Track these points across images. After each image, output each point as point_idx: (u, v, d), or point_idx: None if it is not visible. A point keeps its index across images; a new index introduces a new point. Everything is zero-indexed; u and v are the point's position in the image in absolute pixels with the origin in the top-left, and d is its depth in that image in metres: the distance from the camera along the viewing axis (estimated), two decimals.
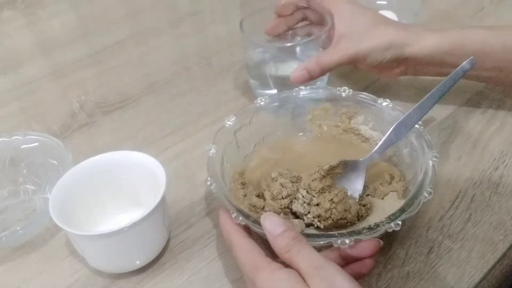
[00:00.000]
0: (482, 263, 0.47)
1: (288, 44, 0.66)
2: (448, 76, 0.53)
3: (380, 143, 0.51)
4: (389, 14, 0.75)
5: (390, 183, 0.51)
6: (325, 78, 0.66)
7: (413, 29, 0.59)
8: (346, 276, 0.36)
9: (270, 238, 0.40)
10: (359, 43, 0.58)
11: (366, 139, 0.56)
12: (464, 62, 0.54)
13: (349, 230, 0.42)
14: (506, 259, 0.48)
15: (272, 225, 0.40)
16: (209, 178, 0.47)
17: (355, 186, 0.50)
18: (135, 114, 0.70)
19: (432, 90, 0.52)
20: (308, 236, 0.42)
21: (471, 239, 0.49)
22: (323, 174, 0.48)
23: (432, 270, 0.47)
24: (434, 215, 0.52)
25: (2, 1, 0.98)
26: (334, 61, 0.59)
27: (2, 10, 0.96)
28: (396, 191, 0.50)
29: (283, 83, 0.62)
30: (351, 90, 0.56)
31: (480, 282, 0.46)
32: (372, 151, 0.51)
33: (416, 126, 0.51)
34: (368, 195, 0.51)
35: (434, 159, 0.47)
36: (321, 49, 0.62)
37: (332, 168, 0.49)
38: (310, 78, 0.59)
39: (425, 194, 0.44)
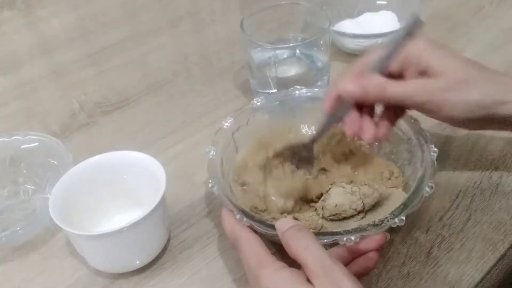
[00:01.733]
0: (482, 263, 0.47)
1: (288, 45, 0.66)
2: (389, 42, 0.45)
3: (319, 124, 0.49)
4: (389, 14, 0.76)
5: (389, 179, 0.52)
6: (326, 78, 0.66)
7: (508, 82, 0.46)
8: (352, 278, 0.36)
9: (279, 234, 0.41)
10: (445, 91, 0.44)
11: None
12: (409, 21, 0.45)
13: (354, 227, 0.43)
14: (506, 259, 0.48)
15: (282, 223, 0.41)
16: (210, 180, 0.47)
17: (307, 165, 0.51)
18: (135, 114, 0.70)
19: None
20: (314, 234, 0.42)
21: (471, 239, 0.49)
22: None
23: (432, 270, 0.47)
24: (434, 215, 0.52)
25: (2, 1, 0.98)
26: (401, 96, 0.45)
27: (2, 10, 0.96)
28: (396, 187, 0.51)
29: (283, 83, 0.62)
30: None
31: (480, 282, 0.46)
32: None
33: (413, 121, 0.51)
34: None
35: (433, 153, 0.48)
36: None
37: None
38: (363, 98, 0.46)
39: (427, 189, 0.45)
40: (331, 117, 0.48)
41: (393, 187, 0.51)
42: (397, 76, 0.46)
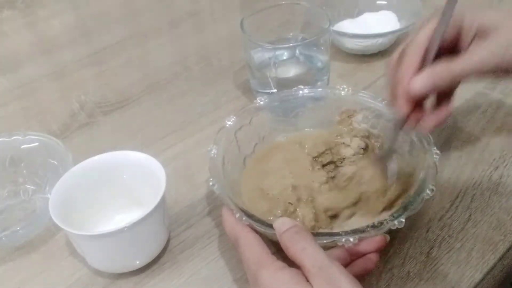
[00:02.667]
0: (482, 263, 0.47)
1: (288, 45, 0.66)
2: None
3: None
4: (389, 14, 0.76)
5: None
6: (326, 78, 0.66)
7: None
8: (350, 278, 0.36)
9: (277, 235, 0.40)
10: (506, 49, 0.42)
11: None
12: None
13: (353, 228, 0.43)
14: (506, 259, 0.48)
15: (280, 223, 0.41)
16: (211, 179, 0.47)
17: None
18: (135, 114, 0.70)
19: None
20: (313, 235, 0.42)
21: (471, 239, 0.49)
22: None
23: (432, 270, 0.47)
24: (434, 215, 0.52)
25: (2, 1, 0.98)
26: (466, 71, 0.43)
27: (2, 10, 0.96)
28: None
29: (283, 83, 0.62)
30: (350, 88, 0.56)
31: (480, 282, 0.46)
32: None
33: None
34: None
35: (435, 156, 0.47)
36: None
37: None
38: (436, 89, 0.45)
39: (427, 191, 0.44)
40: (402, 119, 0.46)
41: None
42: (451, 48, 0.45)
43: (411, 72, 0.44)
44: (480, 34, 0.44)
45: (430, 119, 0.46)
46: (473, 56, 0.44)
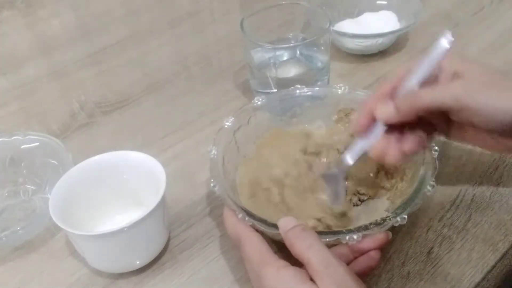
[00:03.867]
0: (482, 263, 0.47)
1: (288, 45, 0.66)
2: (424, 60, 0.44)
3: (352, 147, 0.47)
4: (389, 14, 0.76)
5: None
6: (326, 78, 0.66)
7: None
8: (355, 277, 0.36)
9: (282, 233, 0.41)
10: (477, 90, 0.43)
11: None
12: (441, 39, 0.43)
13: (356, 226, 0.43)
14: (506, 259, 0.48)
15: (285, 221, 0.41)
16: (212, 180, 0.47)
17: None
18: (135, 114, 0.70)
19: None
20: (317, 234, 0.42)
21: (471, 239, 0.49)
22: None
23: (432, 270, 0.47)
24: (434, 215, 0.52)
25: (2, 1, 0.98)
26: (432, 99, 0.43)
27: (2, 10, 0.96)
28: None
29: (284, 83, 0.62)
30: (347, 87, 0.56)
31: (480, 282, 0.46)
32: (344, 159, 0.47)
33: None
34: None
35: (434, 152, 0.48)
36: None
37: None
38: (398, 116, 0.44)
39: (428, 187, 0.45)
40: (363, 140, 0.46)
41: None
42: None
43: (379, 97, 0.45)
44: (455, 75, 0.44)
45: (392, 153, 0.45)
46: (439, 88, 0.44)
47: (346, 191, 0.50)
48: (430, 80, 0.44)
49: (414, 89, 0.44)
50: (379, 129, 0.45)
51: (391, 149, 0.44)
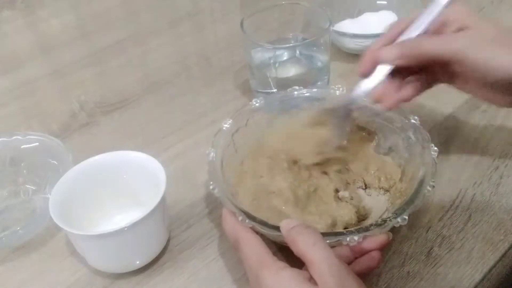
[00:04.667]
0: (482, 263, 0.47)
1: (288, 45, 0.66)
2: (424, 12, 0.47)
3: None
4: (389, 14, 0.76)
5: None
6: (326, 78, 0.66)
7: None
8: (356, 278, 0.36)
9: (284, 232, 0.40)
10: (479, 44, 0.44)
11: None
12: None
13: (357, 227, 0.43)
14: (506, 259, 0.48)
15: (287, 221, 0.41)
16: (211, 182, 0.47)
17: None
18: (135, 114, 0.70)
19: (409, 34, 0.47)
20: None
21: (471, 239, 0.49)
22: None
23: (432, 270, 0.47)
24: (434, 215, 0.52)
25: (2, 1, 0.98)
26: (434, 47, 0.45)
27: (2, 10, 0.96)
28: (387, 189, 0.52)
29: (284, 83, 0.62)
30: (345, 88, 0.56)
31: (480, 282, 0.46)
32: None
33: (413, 121, 0.52)
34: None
35: (433, 152, 0.48)
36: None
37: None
38: (401, 56, 0.46)
39: (428, 187, 0.45)
40: (368, 81, 0.48)
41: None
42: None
43: (384, 43, 0.48)
44: (462, 28, 0.46)
45: (388, 99, 0.48)
46: (444, 36, 0.46)
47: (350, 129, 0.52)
48: (435, 30, 0.47)
49: (420, 37, 0.46)
50: (382, 72, 0.48)
51: (389, 95, 0.48)
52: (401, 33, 0.48)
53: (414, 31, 0.47)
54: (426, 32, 0.47)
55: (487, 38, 0.44)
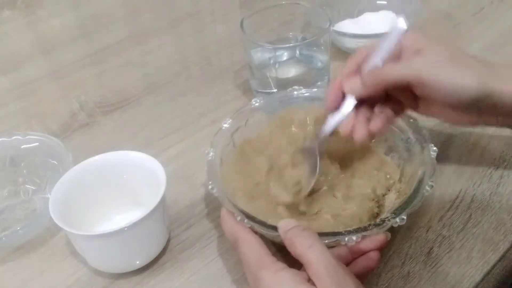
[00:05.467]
0: (482, 263, 0.47)
1: (288, 45, 0.66)
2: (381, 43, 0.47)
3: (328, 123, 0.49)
4: (389, 14, 0.76)
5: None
6: (326, 78, 0.66)
7: (506, 68, 0.47)
8: (354, 279, 0.36)
9: (282, 233, 0.41)
10: (435, 66, 0.45)
11: None
12: (396, 23, 0.46)
13: (355, 227, 0.43)
14: (506, 259, 0.48)
15: (285, 222, 0.41)
16: (210, 182, 0.47)
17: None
18: (135, 114, 0.70)
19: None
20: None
21: (471, 239, 0.49)
22: None
23: (432, 270, 0.47)
24: (434, 215, 0.52)
25: (2, 1, 0.98)
26: (395, 74, 0.45)
27: (2, 10, 0.96)
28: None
29: (284, 83, 0.62)
30: None
31: (480, 282, 0.46)
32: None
33: (412, 121, 0.52)
34: None
35: (432, 152, 0.48)
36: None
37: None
38: (364, 90, 0.47)
39: (427, 187, 0.45)
40: (335, 115, 0.48)
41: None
42: None
43: (346, 74, 0.48)
44: (416, 52, 0.46)
45: (359, 130, 0.48)
46: (399, 63, 0.46)
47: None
48: (393, 58, 0.47)
49: (378, 65, 0.46)
50: (349, 104, 0.48)
51: (359, 128, 0.47)
52: (362, 62, 0.47)
53: (374, 59, 0.47)
54: (386, 61, 0.47)
55: (442, 58, 0.45)
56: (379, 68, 0.46)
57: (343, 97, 0.48)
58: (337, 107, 0.48)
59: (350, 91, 0.47)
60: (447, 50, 0.46)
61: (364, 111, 0.48)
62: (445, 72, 0.44)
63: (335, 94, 0.48)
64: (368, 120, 0.48)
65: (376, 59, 0.46)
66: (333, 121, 0.49)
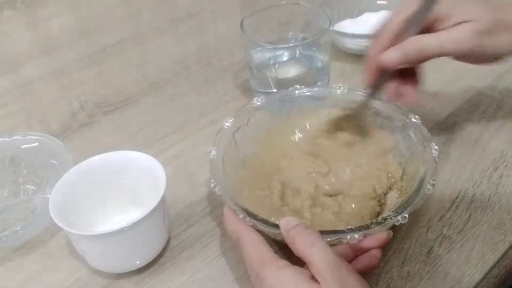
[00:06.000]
0: (482, 263, 0.47)
1: (288, 45, 0.66)
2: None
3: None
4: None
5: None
6: (326, 78, 0.66)
7: None
8: (357, 276, 0.36)
9: (284, 232, 0.40)
10: (481, 36, 0.46)
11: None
12: None
13: (357, 225, 0.43)
14: (506, 259, 0.48)
15: (287, 220, 0.41)
16: (212, 181, 0.47)
17: None
18: (135, 114, 0.70)
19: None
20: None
21: (471, 239, 0.49)
22: None
23: (432, 270, 0.47)
24: (434, 215, 0.52)
25: (2, 1, 0.98)
26: (439, 46, 0.46)
27: (2, 10, 0.96)
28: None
29: (284, 83, 0.62)
30: (346, 87, 0.56)
31: (480, 282, 0.46)
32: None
33: (414, 120, 0.52)
34: None
35: (434, 151, 0.48)
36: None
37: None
38: (404, 61, 0.47)
39: (429, 186, 0.45)
40: (372, 88, 0.49)
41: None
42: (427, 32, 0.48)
43: (383, 47, 0.48)
44: (455, 23, 0.47)
45: (409, 95, 0.49)
46: (440, 35, 0.47)
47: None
48: (428, 25, 0.47)
49: (419, 36, 0.46)
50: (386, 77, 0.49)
51: (407, 91, 0.49)
52: (396, 33, 0.48)
53: (410, 29, 0.47)
54: (420, 28, 0.47)
55: (488, 27, 0.46)
56: (420, 39, 0.46)
57: (380, 72, 0.49)
58: (375, 82, 0.49)
59: (389, 65, 0.47)
60: (490, 16, 0.46)
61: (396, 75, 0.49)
62: (491, 41, 0.46)
63: (373, 69, 0.49)
64: (405, 82, 0.50)
65: (411, 30, 0.47)
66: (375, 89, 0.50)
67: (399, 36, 0.48)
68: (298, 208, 0.50)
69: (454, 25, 0.46)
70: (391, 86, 0.50)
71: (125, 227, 0.44)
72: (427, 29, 0.48)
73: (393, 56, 0.47)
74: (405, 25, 0.47)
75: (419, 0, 0.46)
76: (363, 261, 0.42)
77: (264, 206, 0.51)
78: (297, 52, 0.65)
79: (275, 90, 0.64)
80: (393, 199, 0.50)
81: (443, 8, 0.47)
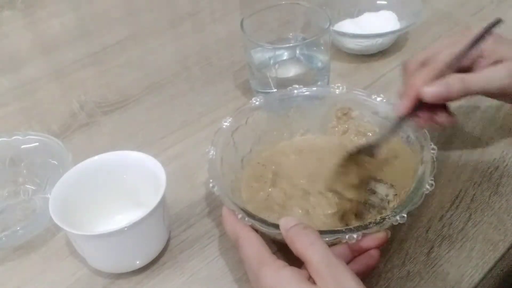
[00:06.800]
0: (482, 263, 0.47)
1: (288, 45, 0.66)
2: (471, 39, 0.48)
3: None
4: (389, 14, 0.76)
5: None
6: (326, 78, 0.66)
7: None
8: (355, 277, 0.36)
9: (283, 231, 0.41)
10: None
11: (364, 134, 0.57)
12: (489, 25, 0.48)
13: (356, 225, 0.43)
14: (506, 259, 0.48)
15: (286, 220, 0.41)
16: (211, 181, 0.47)
17: None
18: (135, 114, 0.70)
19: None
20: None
21: (471, 239, 0.49)
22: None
23: (432, 270, 0.47)
24: (434, 215, 0.52)
25: (2, 1, 0.98)
26: (483, 84, 0.47)
27: (2, 10, 0.96)
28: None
29: (284, 83, 0.62)
30: (344, 86, 0.56)
31: (480, 282, 0.46)
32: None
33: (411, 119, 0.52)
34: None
35: (432, 151, 0.48)
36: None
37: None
38: (447, 97, 0.48)
39: (427, 186, 0.45)
40: (403, 118, 0.49)
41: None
42: (466, 70, 0.49)
43: (427, 80, 0.47)
44: (497, 61, 0.48)
45: (442, 118, 0.49)
46: (484, 75, 0.48)
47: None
48: (469, 62, 0.48)
49: (463, 75, 0.47)
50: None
51: (439, 116, 0.49)
52: (443, 67, 0.48)
53: (454, 65, 0.47)
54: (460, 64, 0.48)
55: None
56: (464, 77, 0.47)
57: (417, 102, 0.48)
58: (409, 112, 0.48)
59: (430, 99, 0.47)
60: None
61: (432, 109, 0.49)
62: None
63: (411, 99, 0.48)
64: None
65: (455, 65, 0.47)
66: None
67: (440, 73, 0.48)
68: (288, 193, 0.51)
69: (493, 63, 0.48)
70: (425, 113, 0.49)
71: (125, 227, 0.44)
72: (463, 69, 0.49)
73: (437, 91, 0.47)
74: (451, 61, 0.48)
75: (468, 37, 0.47)
76: (362, 261, 0.43)
77: (258, 197, 0.51)
78: (297, 52, 0.65)
79: (275, 90, 0.64)
80: (391, 199, 0.50)
81: (486, 46, 0.48)
